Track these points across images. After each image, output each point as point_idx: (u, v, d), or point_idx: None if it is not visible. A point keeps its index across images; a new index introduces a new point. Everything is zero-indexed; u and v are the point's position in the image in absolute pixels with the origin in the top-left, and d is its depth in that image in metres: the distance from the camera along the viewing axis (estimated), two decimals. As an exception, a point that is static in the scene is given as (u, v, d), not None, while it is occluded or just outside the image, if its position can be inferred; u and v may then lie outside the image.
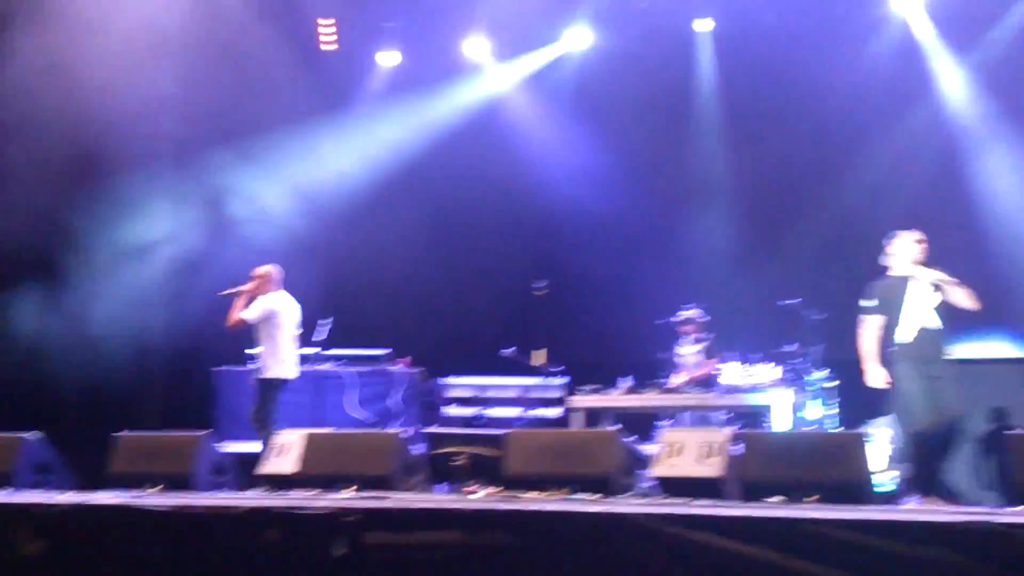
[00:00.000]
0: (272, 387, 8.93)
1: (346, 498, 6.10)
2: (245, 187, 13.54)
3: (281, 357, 9.00)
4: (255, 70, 13.10)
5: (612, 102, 12.93)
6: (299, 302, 9.65)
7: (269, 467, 7.38)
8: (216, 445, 7.62)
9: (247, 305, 9.08)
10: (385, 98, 14.15)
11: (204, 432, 7.47)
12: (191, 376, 11.75)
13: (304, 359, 11.04)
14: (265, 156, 13.24)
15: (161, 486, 7.03)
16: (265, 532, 5.29)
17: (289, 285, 9.72)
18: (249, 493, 7.23)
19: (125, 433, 7.54)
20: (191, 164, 13.07)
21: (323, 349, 11.19)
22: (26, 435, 7.45)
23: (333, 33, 14.21)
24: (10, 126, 11.89)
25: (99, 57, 12.51)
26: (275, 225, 13.31)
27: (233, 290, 9.07)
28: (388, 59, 14.21)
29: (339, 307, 12.44)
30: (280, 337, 9.05)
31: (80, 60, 13.08)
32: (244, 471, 7.84)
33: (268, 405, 8.86)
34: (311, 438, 7.24)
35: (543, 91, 13.66)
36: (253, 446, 9.98)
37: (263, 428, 8.72)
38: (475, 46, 13.68)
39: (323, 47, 14.17)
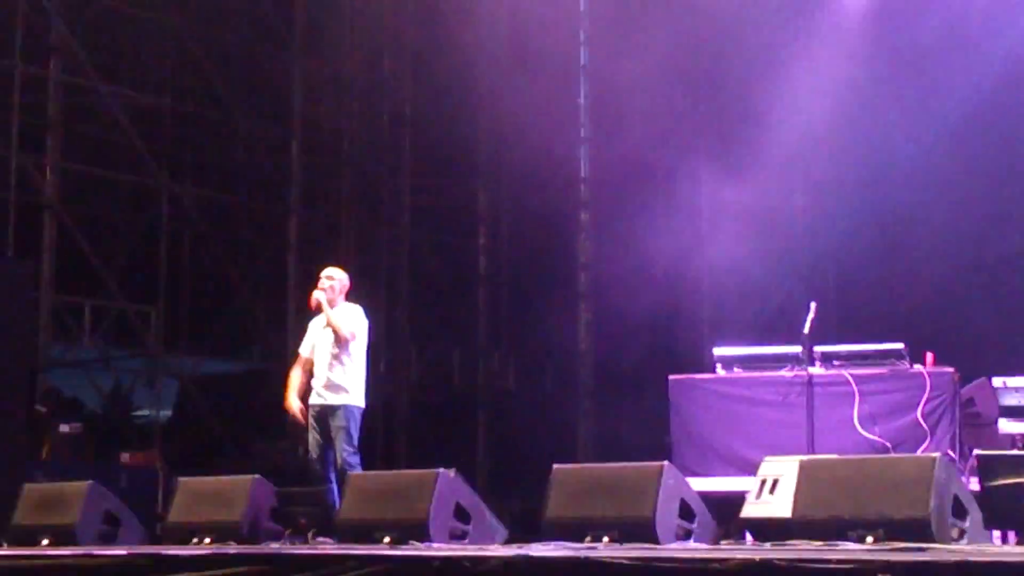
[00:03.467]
0: (359, 417, 9.55)
1: (873, 550, 6.01)
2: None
3: (363, 383, 9.65)
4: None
5: None
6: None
7: (754, 509, 7.45)
8: (680, 479, 7.79)
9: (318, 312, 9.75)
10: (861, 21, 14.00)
11: (664, 463, 7.66)
12: (641, 388, 12.20)
13: (787, 359, 11.05)
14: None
15: (608, 537, 7.27)
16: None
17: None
18: (729, 544, 7.34)
19: (560, 466, 7.90)
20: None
21: (810, 346, 11.11)
22: (442, 471, 8.08)
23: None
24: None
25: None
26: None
27: (322, 299, 9.69)
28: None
29: (829, 291, 12.38)
30: (362, 358, 9.70)
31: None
32: (716, 515, 7.98)
33: (355, 440, 9.45)
34: (809, 468, 7.24)
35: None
36: (723, 482, 10.16)
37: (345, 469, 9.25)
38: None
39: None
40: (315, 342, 9.79)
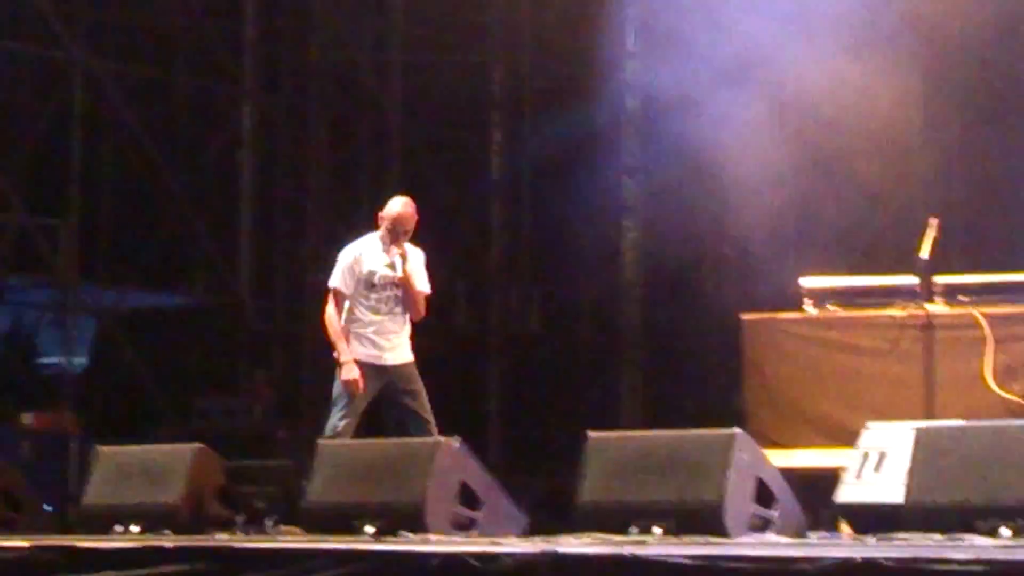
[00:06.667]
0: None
1: (1011, 546, 6.02)
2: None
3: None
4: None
5: None
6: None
7: (854, 491, 7.50)
8: (757, 452, 7.83)
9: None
10: None
11: (735, 431, 7.69)
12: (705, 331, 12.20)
13: (898, 293, 11.08)
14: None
15: (661, 528, 7.36)
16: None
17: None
18: (820, 538, 7.37)
19: (598, 434, 8.01)
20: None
21: (929, 276, 11.14)
22: (442, 441, 8.10)
23: None
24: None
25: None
26: None
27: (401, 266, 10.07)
28: None
29: (956, 203, 12.37)
30: None
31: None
32: (804, 497, 8.03)
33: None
34: (927, 438, 7.28)
35: None
36: (813, 455, 10.23)
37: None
38: None
39: None
40: (371, 281, 10.07)
